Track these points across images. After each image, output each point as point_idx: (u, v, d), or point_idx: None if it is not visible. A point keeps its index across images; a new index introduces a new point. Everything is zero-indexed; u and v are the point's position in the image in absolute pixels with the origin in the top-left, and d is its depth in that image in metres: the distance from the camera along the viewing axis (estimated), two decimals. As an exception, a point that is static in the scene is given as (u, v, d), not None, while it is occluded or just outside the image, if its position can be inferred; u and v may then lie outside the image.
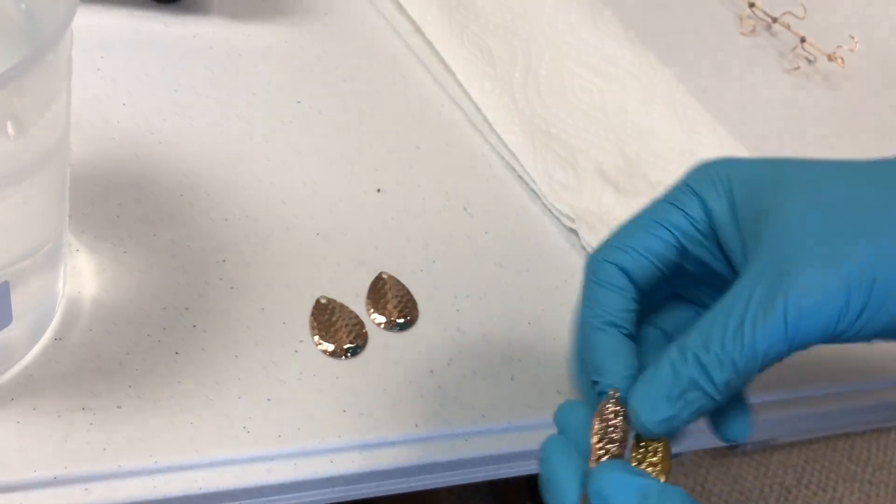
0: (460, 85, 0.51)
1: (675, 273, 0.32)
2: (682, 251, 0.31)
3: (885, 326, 0.27)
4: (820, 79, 0.65)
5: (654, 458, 0.29)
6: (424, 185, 0.47)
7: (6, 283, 0.30)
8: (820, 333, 0.27)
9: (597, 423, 0.29)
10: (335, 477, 0.37)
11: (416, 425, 0.38)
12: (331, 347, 0.39)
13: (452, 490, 0.93)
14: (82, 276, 0.38)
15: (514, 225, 0.47)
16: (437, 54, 0.52)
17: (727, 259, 0.31)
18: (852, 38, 0.63)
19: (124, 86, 0.45)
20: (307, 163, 0.45)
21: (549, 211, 0.48)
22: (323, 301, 0.40)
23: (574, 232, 0.48)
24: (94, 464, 0.33)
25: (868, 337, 0.28)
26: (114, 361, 0.36)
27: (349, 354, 0.39)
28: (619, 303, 0.31)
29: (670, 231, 0.31)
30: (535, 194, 0.49)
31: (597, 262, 0.31)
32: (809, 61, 0.65)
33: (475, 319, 0.43)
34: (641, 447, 0.29)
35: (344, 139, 0.47)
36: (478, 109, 0.50)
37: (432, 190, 0.47)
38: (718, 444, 0.47)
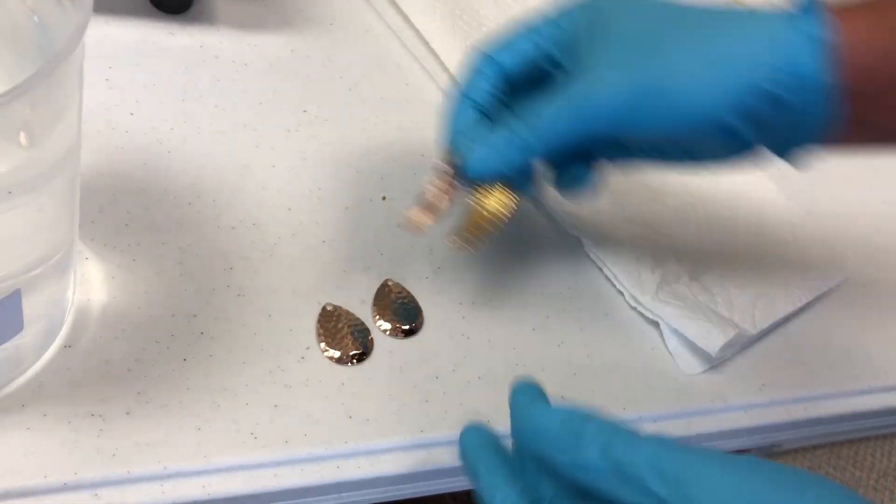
0: (464, 93, 0.51)
1: (539, 74, 0.39)
2: (548, 56, 0.39)
3: (650, 127, 0.35)
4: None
5: (492, 199, 0.39)
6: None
7: (18, 290, 0.30)
8: (599, 127, 0.36)
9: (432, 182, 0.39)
10: (342, 482, 0.37)
11: (422, 431, 0.39)
12: (337, 354, 0.39)
13: (458, 496, 0.93)
14: (91, 283, 0.38)
15: (517, 231, 0.48)
16: (442, 63, 0.52)
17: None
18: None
19: (132, 95, 0.45)
20: (313, 170, 0.46)
21: (554, 217, 0.49)
22: (329, 308, 0.41)
23: (579, 239, 0.48)
24: (104, 469, 0.34)
25: (653, 131, 0.36)
26: (122, 368, 0.36)
27: (355, 361, 0.40)
28: (482, 84, 0.39)
29: (540, 40, 0.39)
30: (539, 201, 0.49)
31: (480, 55, 0.40)
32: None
33: (480, 325, 0.43)
34: (480, 193, 0.39)
35: (349, 147, 0.48)
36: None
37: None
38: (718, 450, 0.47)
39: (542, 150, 0.37)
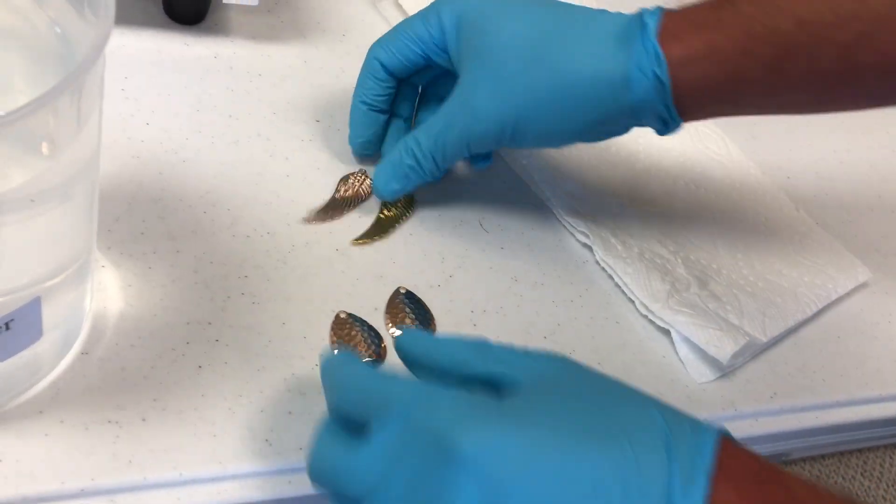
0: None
1: (424, 69, 0.45)
2: (426, 56, 0.44)
3: (533, 143, 0.44)
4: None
5: (394, 209, 0.46)
6: (441, 200, 0.48)
7: (38, 298, 0.31)
8: (486, 145, 0.43)
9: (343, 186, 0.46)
10: (355, 489, 0.37)
11: (435, 438, 0.39)
12: None
13: None
14: (108, 291, 0.39)
15: (529, 240, 0.48)
16: (452, 72, 0.53)
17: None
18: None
19: (147, 105, 0.46)
20: (326, 180, 0.46)
21: (564, 226, 0.49)
22: (342, 316, 0.41)
23: (588, 247, 0.48)
24: (120, 476, 0.34)
25: (527, 146, 0.46)
26: (138, 375, 0.37)
27: (369, 368, 0.40)
28: (375, 88, 0.45)
29: (418, 41, 0.43)
30: (549, 210, 0.49)
31: (367, 56, 0.45)
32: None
33: (492, 333, 0.43)
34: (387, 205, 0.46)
35: (363, 157, 0.48)
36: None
37: (448, 205, 0.48)
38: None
39: (436, 170, 0.44)
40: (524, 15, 0.41)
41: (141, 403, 0.36)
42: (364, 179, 0.46)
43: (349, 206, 0.45)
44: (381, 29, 0.55)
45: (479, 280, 0.45)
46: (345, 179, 0.46)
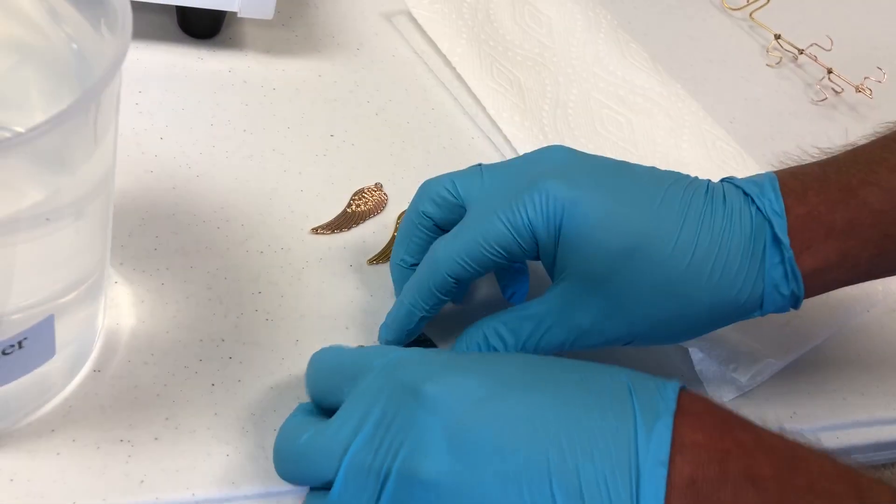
0: (490, 117, 0.51)
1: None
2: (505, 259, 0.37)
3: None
4: (847, 109, 0.65)
5: None
6: (456, 216, 0.47)
7: (51, 316, 0.30)
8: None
9: None
10: (369, 510, 0.37)
11: (451, 458, 0.38)
12: None
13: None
14: (121, 307, 0.38)
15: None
16: (468, 87, 0.52)
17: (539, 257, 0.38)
18: (880, 69, 0.63)
19: (162, 120, 0.46)
20: (340, 195, 0.46)
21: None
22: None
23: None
24: (132, 496, 0.33)
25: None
26: (151, 393, 0.36)
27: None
28: (421, 245, 0.40)
29: (499, 250, 0.37)
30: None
31: (415, 202, 0.40)
32: (837, 92, 0.64)
33: (507, 351, 0.43)
34: None
35: (376, 171, 0.48)
36: (508, 141, 0.51)
37: (463, 221, 0.47)
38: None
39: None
40: (639, 223, 0.36)
41: (153, 422, 0.36)
42: (377, 193, 0.46)
43: (361, 220, 0.44)
44: (396, 42, 0.55)
45: (492, 298, 0.45)
46: (359, 193, 0.45)
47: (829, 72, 0.64)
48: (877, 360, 0.49)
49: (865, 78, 0.63)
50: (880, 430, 0.48)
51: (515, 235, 0.36)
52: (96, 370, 0.36)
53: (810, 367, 0.48)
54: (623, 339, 0.37)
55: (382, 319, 0.42)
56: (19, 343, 0.29)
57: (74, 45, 0.29)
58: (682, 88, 0.57)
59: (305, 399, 0.38)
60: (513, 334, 0.37)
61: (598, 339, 0.36)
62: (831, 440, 0.46)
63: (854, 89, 0.63)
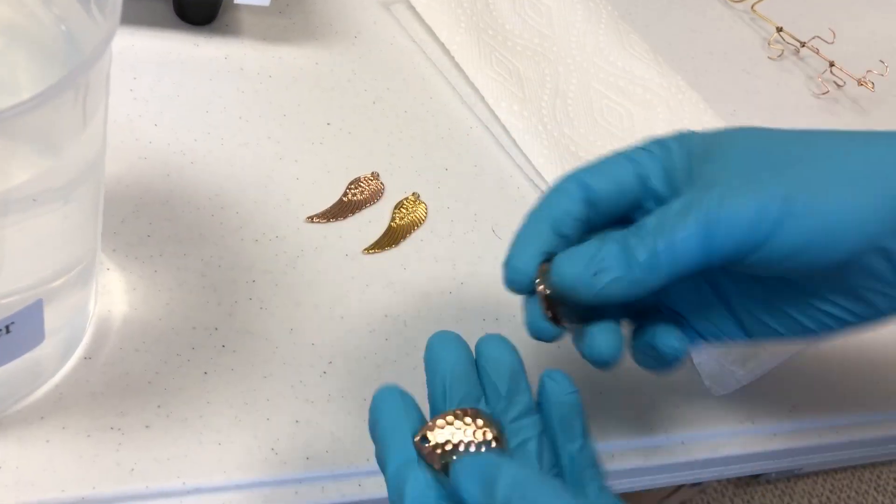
0: (489, 107, 0.51)
1: (631, 208, 0.33)
2: (644, 185, 0.33)
3: (796, 247, 0.28)
4: (849, 103, 0.64)
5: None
6: (453, 206, 0.47)
7: (40, 301, 0.30)
8: (734, 241, 0.29)
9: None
10: (364, 501, 0.36)
11: (445, 449, 0.38)
12: None
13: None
14: (112, 294, 0.38)
15: (542, 247, 0.47)
16: (466, 76, 0.52)
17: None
18: (882, 62, 0.63)
19: (156, 106, 0.45)
20: (336, 183, 0.45)
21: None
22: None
23: (603, 255, 0.47)
24: (122, 484, 0.33)
25: (783, 258, 0.29)
26: (142, 381, 0.36)
27: (378, 376, 0.39)
28: (566, 205, 0.32)
29: (637, 162, 0.33)
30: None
31: (560, 178, 0.33)
32: (839, 86, 0.64)
33: (504, 342, 0.42)
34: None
35: (373, 160, 0.47)
36: (506, 131, 0.50)
37: (460, 211, 0.47)
38: (742, 473, 0.46)
39: (665, 273, 0.29)
40: (777, 133, 0.32)
41: (145, 410, 0.35)
42: (374, 182, 0.45)
43: (357, 209, 0.44)
44: (393, 31, 0.55)
45: (490, 287, 0.44)
46: (355, 182, 0.45)
47: (831, 65, 0.63)
48: (877, 356, 0.49)
49: (868, 71, 0.63)
50: (879, 427, 0.48)
51: (647, 147, 0.33)
52: (87, 357, 0.36)
53: (809, 363, 0.47)
54: (776, 207, 0.28)
55: (379, 309, 0.41)
56: (6, 328, 0.29)
57: (64, 27, 0.29)
58: (683, 80, 0.56)
59: (297, 387, 0.38)
60: (642, 232, 0.29)
61: (752, 206, 0.29)
62: (830, 436, 0.46)
63: (856, 83, 0.63)
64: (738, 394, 0.44)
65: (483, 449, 0.29)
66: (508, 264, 0.32)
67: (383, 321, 0.41)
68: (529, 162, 0.50)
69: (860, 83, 0.63)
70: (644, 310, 0.34)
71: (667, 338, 0.33)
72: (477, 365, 0.32)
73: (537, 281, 0.32)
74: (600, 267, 0.29)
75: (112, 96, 0.44)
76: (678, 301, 0.34)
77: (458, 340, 0.32)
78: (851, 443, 0.47)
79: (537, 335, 0.33)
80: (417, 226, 0.45)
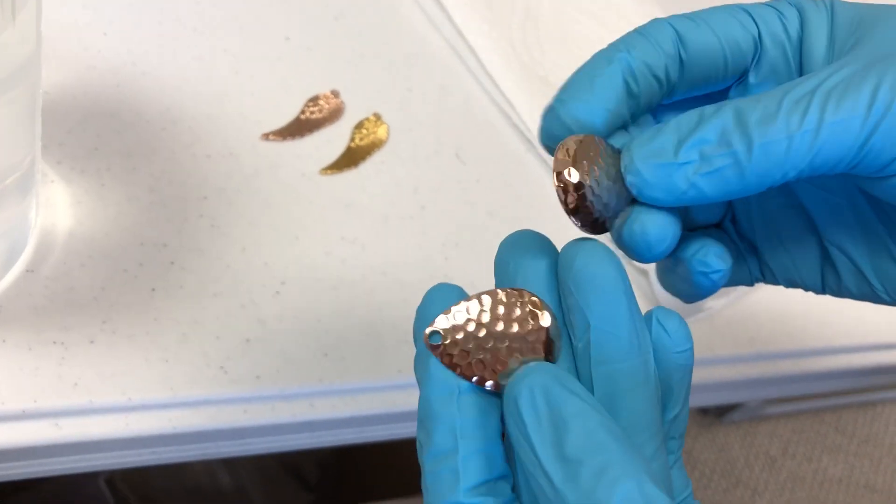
0: (456, 27, 0.49)
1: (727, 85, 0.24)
2: (759, 49, 0.24)
3: None
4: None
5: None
6: (416, 129, 0.46)
7: (-29, 206, 0.28)
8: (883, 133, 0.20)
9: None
10: (315, 421, 0.36)
11: (399, 371, 0.37)
12: None
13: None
14: (57, 207, 0.36)
15: (507, 173, 0.46)
16: (434, -5, 0.50)
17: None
18: None
19: (106, 14, 0.43)
20: (294, 101, 0.44)
21: (544, 160, 0.47)
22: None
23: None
24: (65, 398, 0.32)
25: None
26: (87, 296, 0.35)
27: (332, 297, 0.38)
28: (652, 55, 0.23)
29: (754, 21, 0.23)
30: (529, 142, 0.47)
31: (650, 22, 0.24)
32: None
33: (463, 267, 0.42)
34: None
35: (333, 78, 0.46)
36: (473, 53, 0.49)
37: (424, 134, 0.46)
38: (705, 403, 0.46)
39: (777, 177, 0.21)
40: None
41: (89, 325, 0.34)
42: (334, 100, 0.44)
43: (315, 128, 0.43)
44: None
45: (452, 213, 0.43)
46: (314, 99, 0.43)
47: None
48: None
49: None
50: (838, 359, 0.48)
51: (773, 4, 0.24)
52: (29, 270, 0.35)
53: (772, 294, 0.47)
54: None
55: (335, 231, 0.40)
56: (-64, 233, 0.28)
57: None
58: (658, 7, 0.55)
59: (248, 307, 0.37)
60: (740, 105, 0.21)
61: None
62: (789, 367, 0.46)
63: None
64: (701, 323, 0.44)
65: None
66: (560, 109, 0.22)
67: (340, 243, 0.40)
68: (497, 86, 0.48)
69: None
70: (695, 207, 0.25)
71: (705, 254, 0.24)
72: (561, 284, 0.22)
73: (561, 157, 0.21)
74: (695, 152, 0.21)
75: (59, 3, 0.42)
76: (756, 222, 0.26)
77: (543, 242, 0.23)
78: (810, 375, 0.48)
79: (645, 255, 0.23)
80: (378, 147, 0.44)
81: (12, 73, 0.27)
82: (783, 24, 0.24)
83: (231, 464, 0.79)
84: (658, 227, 0.22)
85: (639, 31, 0.24)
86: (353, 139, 0.43)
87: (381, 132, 0.44)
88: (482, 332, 0.21)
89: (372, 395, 0.37)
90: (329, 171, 0.42)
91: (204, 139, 0.41)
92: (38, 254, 0.35)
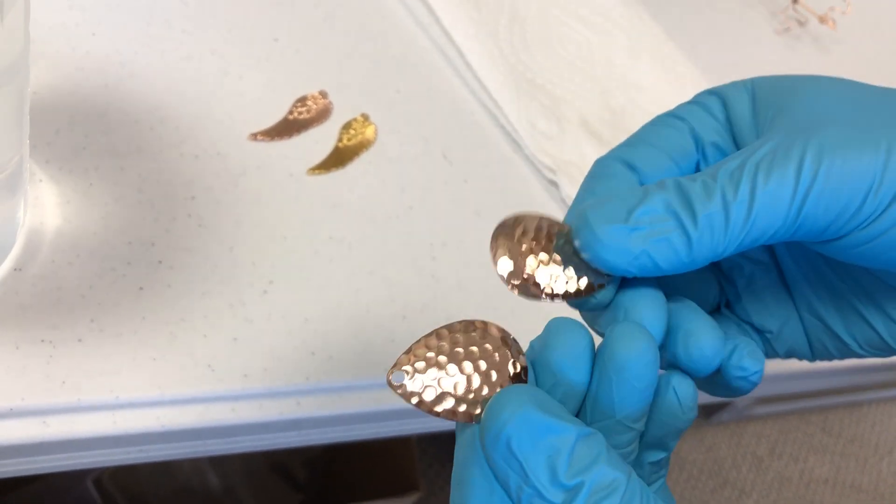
0: (444, 28, 0.50)
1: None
2: (699, 144, 0.25)
3: None
4: (810, 41, 0.64)
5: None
6: (403, 129, 0.46)
7: (-41, 204, 0.29)
8: (842, 202, 0.21)
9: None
10: (302, 419, 0.36)
11: (386, 370, 0.38)
12: None
13: (423, 438, 0.93)
14: (45, 206, 0.37)
15: (493, 174, 0.46)
16: (421, -3, 0.50)
17: None
18: (845, 0, 0.62)
19: (94, 15, 0.43)
20: (282, 101, 0.44)
21: (531, 161, 0.47)
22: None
23: (554, 184, 0.47)
24: (53, 396, 0.32)
25: (884, 251, 0.22)
26: (75, 294, 0.35)
27: (319, 297, 0.38)
28: (617, 188, 0.24)
29: (685, 121, 0.25)
30: (516, 143, 0.48)
31: (598, 162, 0.25)
32: (801, 23, 0.63)
33: (450, 267, 0.42)
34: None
35: (321, 80, 0.46)
36: (461, 54, 0.49)
37: (411, 135, 0.46)
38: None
39: (718, 250, 0.21)
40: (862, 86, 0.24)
41: (77, 324, 0.34)
42: (322, 101, 0.44)
43: (303, 128, 0.43)
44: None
45: (439, 212, 0.44)
46: (301, 100, 0.44)
47: (795, 1, 0.63)
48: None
49: (830, 9, 0.62)
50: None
51: (697, 102, 0.26)
52: (17, 269, 0.35)
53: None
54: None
55: (323, 230, 0.41)
56: (-77, 231, 0.28)
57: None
58: (645, 11, 0.55)
59: (236, 306, 0.37)
60: (708, 176, 0.22)
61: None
62: (775, 365, 0.47)
63: (818, 20, 0.62)
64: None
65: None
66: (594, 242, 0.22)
67: (327, 243, 0.40)
68: (484, 87, 0.49)
69: (822, 20, 0.62)
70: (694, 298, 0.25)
71: (739, 358, 0.24)
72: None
73: (502, 248, 0.23)
74: (646, 218, 0.21)
75: (47, 4, 0.42)
76: (747, 301, 0.27)
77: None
78: (795, 374, 0.48)
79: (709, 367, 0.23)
80: (366, 148, 0.44)
81: (0, 72, 0.28)
82: (709, 114, 0.25)
83: (220, 464, 0.79)
84: (713, 340, 0.23)
85: (593, 177, 0.25)
86: (340, 139, 0.44)
87: (368, 133, 0.44)
88: (445, 360, 0.21)
89: (359, 394, 0.37)
90: (317, 172, 0.42)
91: (192, 139, 0.41)
92: (25, 253, 0.35)
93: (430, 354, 0.21)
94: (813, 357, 0.27)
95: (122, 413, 0.33)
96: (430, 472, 1.03)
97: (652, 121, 0.26)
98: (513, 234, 0.23)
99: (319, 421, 0.37)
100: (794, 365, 0.47)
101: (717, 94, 0.26)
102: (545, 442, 0.19)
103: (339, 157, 0.43)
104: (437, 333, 0.22)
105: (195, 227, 0.38)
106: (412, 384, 0.21)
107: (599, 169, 0.25)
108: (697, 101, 0.26)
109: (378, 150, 0.45)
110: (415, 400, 0.21)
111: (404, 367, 0.21)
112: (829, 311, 0.26)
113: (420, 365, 0.21)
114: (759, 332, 0.27)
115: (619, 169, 0.25)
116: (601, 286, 0.23)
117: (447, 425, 0.41)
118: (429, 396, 0.21)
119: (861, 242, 0.21)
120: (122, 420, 0.33)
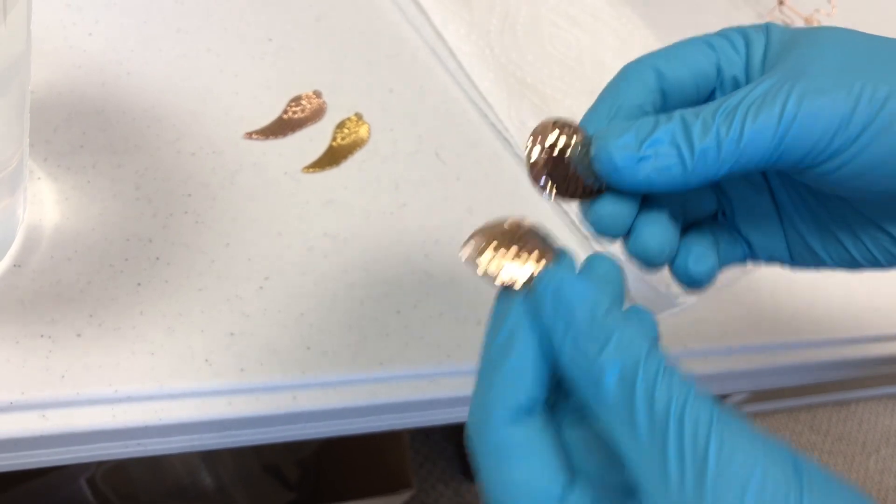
0: (436, 29, 0.50)
1: (701, 102, 0.29)
2: (720, 75, 0.29)
3: (880, 160, 0.25)
4: (797, 42, 0.65)
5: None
6: (397, 128, 0.47)
7: (-39, 200, 0.29)
8: (815, 138, 0.25)
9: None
10: (298, 413, 0.37)
11: (381, 364, 0.38)
12: None
13: (415, 431, 0.93)
14: (44, 203, 0.37)
15: (485, 171, 0.47)
16: (414, -2, 0.51)
17: None
18: (829, 1, 0.63)
19: (91, 14, 0.44)
20: (277, 100, 0.45)
21: (520, 158, 0.48)
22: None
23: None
24: (52, 390, 0.33)
25: (859, 173, 0.26)
26: (74, 290, 0.35)
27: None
28: (639, 96, 0.28)
29: (715, 52, 0.29)
30: (507, 142, 0.48)
31: (629, 67, 0.29)
32: (787, 24, 0.64)
33: (443, 263, 0.43)
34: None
35: (315, 79, 0.46)
36: (453, 54, 0.50)
37: (405, 133, 0.47)
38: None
39: (713, 173, 0.26)
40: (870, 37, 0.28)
41: (76, 319, 0.35)
42: (316, 100, 0.44)
43: (298, 127, 0.43)
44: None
45: (432, 210, 0.44)
46: (296, 99, 0.44)
47: (781, 2, 0.64)
48: (807, 286, 0.51)
49: (815, 10, 0.63)
50: (807, 353, 0.50)
51: (724, 34, 0.29)
52: (17, 265, 0.35)
53: (742, 289, 0.49)
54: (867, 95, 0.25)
55: (318, 227, 0.41)
56: (-74, 226, 0.28)
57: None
58: (633, 11, 0.56)
59: (233, 301, 0.37)
60: (708, 112, 0.26)
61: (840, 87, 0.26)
62: (759, 361, 0.48)
63: (803, 21, 0.63)
64: (672, 318, 0.45)
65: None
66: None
67: (322, 239, 0.41)
68: (475, 87, 0.49)
69: (807, 21, 0.63)
70: (692, 206, 0.31)
71: (694, 255, 0.30)
72: None
73: (538, 138, 0.28)
74: (651, 150, 0.26)
75: (45, 4, 0.43)
76: (739, 214, 0.31)
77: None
78: (781, 368, 0.49)
79: (605, 230, 0.28)
80: (359, 146, 0.45)
81: (3, 71, 0.28)
82: (734, 49, 0.29)
83: (212, 463, 0.79)
84: (659, 238, 0.28)
85: (626, 77, 0.29)
86: (334, 138, 0.44)
87: (362, 132, 0.45)
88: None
89: (354, 388, 0.38)
90: (311, 170, 0.43)
91: (188, 136, 0.41)
92: (25, 249, 0.36)
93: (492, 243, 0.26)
94: (793, 264, 0.31)
95: (120, 406, 0.34)
96: (423, 471, 1.04)
97: (689, 41, 0.29)
98: (486, 230, 0.27)
99: (315, 415, 0.37)
100: (782, 359, 0.48)
101: (742, 32, 0.29)
102: (586, 297, 0.23)
103: (333, 156, 0.44)
104: (488, 229, 0.26)
105: (192, 224, 0.39)
106: (483, 258, 0.25)
107: (630, 73, 0.29)
108: (727, 35, 0.29)
109: (371, 149, 0.45)
110: (480, 271, 0.25)
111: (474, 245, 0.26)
112: (810, 231, 0.30)
113: (483, 245, 0.26)
114: (747, 241, 0.32)
115: (649, 76, 0.29)
116: (600, 190, 0.27)
117: (441, 417, 0.42)
118: (493, 269, 0.25)
119: (831, 171, 0.26)
120: (120, 413, 0.34)
